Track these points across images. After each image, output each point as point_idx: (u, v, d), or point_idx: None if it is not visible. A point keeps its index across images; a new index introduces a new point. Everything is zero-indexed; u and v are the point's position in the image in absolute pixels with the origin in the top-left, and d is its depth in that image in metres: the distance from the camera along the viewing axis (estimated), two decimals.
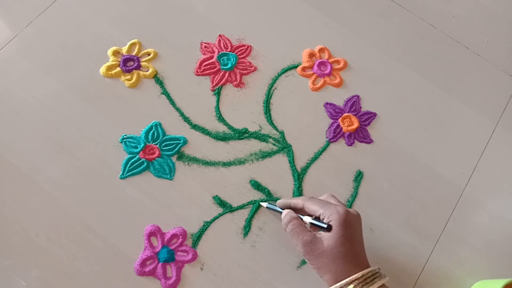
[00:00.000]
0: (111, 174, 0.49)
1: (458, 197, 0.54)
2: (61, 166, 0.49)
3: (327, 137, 0.55)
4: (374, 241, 0.50)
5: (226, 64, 0.56)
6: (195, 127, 0.53)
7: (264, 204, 0.49)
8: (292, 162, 0.53)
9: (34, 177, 0.48)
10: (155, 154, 0.51)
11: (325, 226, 0.40)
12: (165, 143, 0.52)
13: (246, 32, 0.59)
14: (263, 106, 0.55)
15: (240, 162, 0.52)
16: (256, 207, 0.50)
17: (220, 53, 0.57)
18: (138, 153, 0.50)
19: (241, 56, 0.58)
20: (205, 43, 0.58)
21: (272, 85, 0.57)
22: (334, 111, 0.56)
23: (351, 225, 0.41)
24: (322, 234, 0.41)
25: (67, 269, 0.45)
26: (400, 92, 0.59)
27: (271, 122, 0.55)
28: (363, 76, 0.59)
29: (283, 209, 0.46)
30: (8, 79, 0.52)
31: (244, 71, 0.57)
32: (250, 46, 0.58)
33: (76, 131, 0.51)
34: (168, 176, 0.50)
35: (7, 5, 0.57)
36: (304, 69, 0.58)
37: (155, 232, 0.47)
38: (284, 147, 0.54)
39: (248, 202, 0.50)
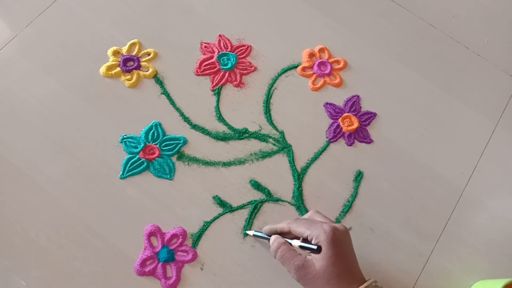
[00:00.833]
0: (111, 174, 0.49)
1: (458, 197, 0.54)
2: (61, 166, 0.49)
3: (327, 137, 0.55)
4: (374, 241, 0.50)
5: (226, 64, 0.56)
6: (195, 127, 0.53)
7: (250, 233, 0.48)
8: (292, 162, 0.53)
9: (34, 177, 0.48)
10: (155, 154, 0.51)
11: (315, 247, 0.39)
12: (165, 143, 0.52)
13: (246, 32, 0.59)
14: (263, 106, 0.55)
15: (240, 162, 0.52)
16: (252, 210, 0.50)
17: (220, 53, 0.57)
18: (138, 153, 0.50)
19: (241, 56, 0.58)
20: (205, 43, 0.58)
21: (272, 85, 0.57)
22: (334, 111, 0.56)
23: (340, 242, 0.40)
24: (313, 256, 0.40)
25: (67, 269, 0.45)
26: (400, 92, 0.59)
27: (271, 122, 0.55)
28: (363, 76, 0.59)
29: (270, 235, 0.45)
30: (8, 79, 0.52)
31: (244, 71, 0.57)
32: (250, 46, 0.58)
33: (76, 131, 0.51)
34: (168, 176, 0.50)
35: (7, 5, 0.57)
36: (304, 69, 0.58)
37: (155, 232, 0.47)
38: (284, 147, 0.54)
39: (248, 202, 0.50)
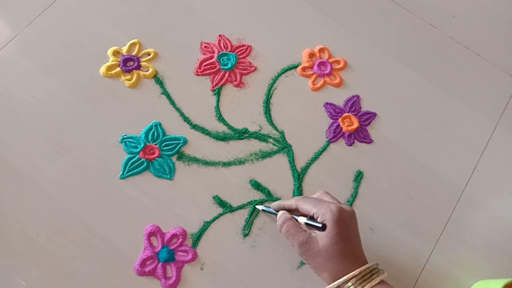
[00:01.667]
0: (111, 174, 0.49)
1: (458, 197, 0.54)
2: (61, 166, 0.49)
3: (327, 137, 0.55)
4: (374, 241, 0.50)
5: (226, 64, 0.56)
6: (195, 127, 0.53)
7: (260, 207, 0.49)
8: (292, 162, 0.53)
9: (34, 177, 0.48)
10: (155, 154, 0.51)
11: (320, 225, 0.40)
12: (165, 143, 0.52)
13: (246, 32, 0.59)
14: (263, 106, 0.55)
15: (240, 162, 0.52)
16: (252, 210, 0.50)
17: (220, 53, 0.57)
18: (138, 153, 0.50)
19: (241, 56, 0.58)
20: (205, 43, 0.58)
21: (272, 85, 0.57)
22: (334, 111, 0.56)
23: (345, 222, 0.40)
24: (317, 233, 0.41)
25: (67, 269, 0.45)
26: (400, 92, 0.59)
27: (271, 122, 0.55)
28: (363, 76, 0.59)
29: (277, 211, 0.46)
30: (8, 79, 0.52)
31: (244, 71, 0.57)
32: (250, 46, 0.58)
33: (76, 131, 0.51)
34: (168, 176, 0.50)
35: (7, 5, 0.57)
36: (304, 69, 0.58)
37: (155, 232, 0.47)
38: (284, 147, 0.54)
39: (248, 202, 0.50)
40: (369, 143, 0.55)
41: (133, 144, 0.51)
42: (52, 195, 0.48)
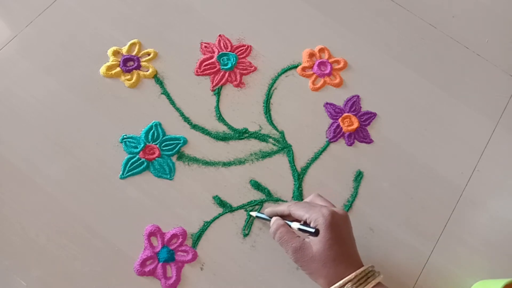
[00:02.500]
0: (111, 174, 0.49)
1: (458, 197, 0.54)
2: (61, 166, 0.49)
3: (327, 137, 0.55)
4: (374, 241, 0.50)
5: (226, 64, 0.56)
6: (195, 127, 0.53)
7: (254, 214, 0.49)
8: (292, 162, 0.53)
9: (34, 177, 0.48)
10: (155, 154, 0.51)
11: (313, 230, 0.40)
12: (165, 143, 0.52)
13: (246, 32, 0.59)
14: (263, 106, 0.55)
15: (240, 162, 0.52)
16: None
17: (220, 53, 0.57)
18: (138, 153, 0.50)
19: (241, 56, 0.58)
20: (205, 43, 0.58)
21: (272, 85, 0.57)
22: (334, 111, 0.56)
23: (338, 226, 0.40)
24: (311, 239, 0.41)
25: (67, 269, 0.45)
26: (400, 92, 0.59)
27: (271, 122, 0.55)
28: (363, 76, 0.59)
29: (271, 217, 0.46)
30: (8, 79, 0.52)
31: (244, 71, 0.57)
32: (250, 46, 0.58)
33: (76, 131, 0.51)
34: (168, 176, 0.50)
35: (7, 5, 0.57)
36: (304, 69, 0.58)
37: (155, 232, 0.47)
38: (284, 147, 0.54)
39: (248, 202, 0.50)
40: (369, 143, 0.55)
41: (133, 144, 0.51)
42: (52, 195, 0.48)
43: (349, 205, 0.51)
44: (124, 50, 0.56)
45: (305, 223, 0.42)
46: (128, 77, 0.54)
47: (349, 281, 0.38)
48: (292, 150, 0.53)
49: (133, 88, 0.54)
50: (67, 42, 0.55)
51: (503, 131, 0.58)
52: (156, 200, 0.49)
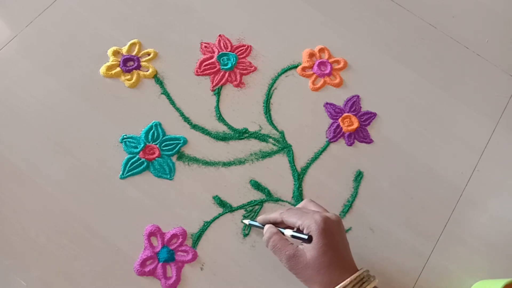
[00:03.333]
0: (111, 174, 0.49)
1: (458, 197, 0.54)
2: (61, 166, 0.49)
3: (327, 137, 0.55)
4: (374, 241, 0.50)
5: (226, 64, 0.56)
6: (195, 127, 0.53)
7: (247, 221, 0.48)
8: (292, 162, 0.53)
9: (34, 177, 0.48)
10: (155, 154, 0.51)
11: (306, 237, 0.39)
12: (165, 143, 0.52)
13: (246, 32, 0.59)
14: (263, 106, 0.55)
15: (240, 162, 0.52)
16: (251, 210, 0.50)
17: (220, 53, 0.57)
18: (138, 153, 0.50)
19: (241, 56, 0.58)
20: (205, 43, 0.58)
21: (272, 85, 0.57)
22: (334, 111, 0.56)
23: (331, 231, 0.40)
24: (305, 246, 0.40)
25: (67, 269, 0.45)
26: (400, 92, 0.59)
27: (271, 122, 0.55)
28: (363, 76, 0.59)
29: (263, 225, 0.45)
30: (8, 79, 0.53)
31: (244, 71, 0.57)
32: (250, 46, 0.58)
33: (76, 131, 0.51)
34: (168, 176, 0.50)
35: (7, 5, 0.57)
36: (304, 69, 0.58)
37: (155, 232, 0.47)
38: (284, 147, 0.54)
39: (248, 202, 0.50)
40: (369, 143, 0.55)
41: (133, 144, 0.51)
42: (52, 195, 0.48)
43: (349, 205, 0.51)
44: (124, 50, 0.56)
45: (298, 230, 0.41)
46: (128, 77, 0.54)
47: (344, 287, 0.38)
48: (292, 150, 0.53)
49: (133, 88, 0.54)
50: (67, 42, 0.55)
51: (503, 131, 0.58)
52: (156, 200, 0.49)
